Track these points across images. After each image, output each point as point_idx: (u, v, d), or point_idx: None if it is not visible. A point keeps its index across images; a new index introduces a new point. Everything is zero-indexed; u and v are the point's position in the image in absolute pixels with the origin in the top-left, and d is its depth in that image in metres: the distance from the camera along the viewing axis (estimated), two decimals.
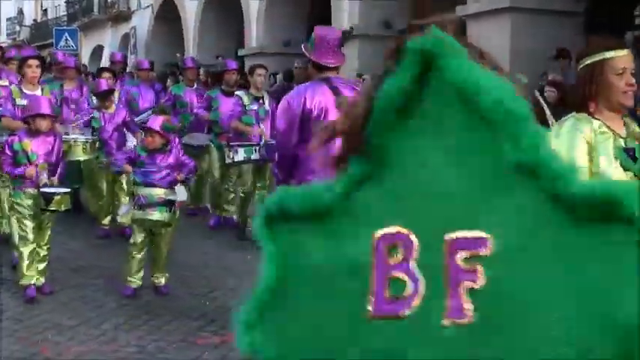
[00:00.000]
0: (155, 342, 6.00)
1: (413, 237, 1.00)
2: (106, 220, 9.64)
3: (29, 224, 6.98)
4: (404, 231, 1.01)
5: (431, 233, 0.99)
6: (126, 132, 9.85)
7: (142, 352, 5.80)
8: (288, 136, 5.28)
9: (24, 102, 8.06)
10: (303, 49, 5.48)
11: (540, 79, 10.75)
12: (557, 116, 5.00)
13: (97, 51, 32.55)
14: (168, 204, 6.95)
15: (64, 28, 30.37)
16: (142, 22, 28.25)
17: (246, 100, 9.54)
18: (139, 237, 7.07)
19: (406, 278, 0.99)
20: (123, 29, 30.72)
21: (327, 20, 16.94)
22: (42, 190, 6.88)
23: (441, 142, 1.02)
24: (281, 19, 19.67)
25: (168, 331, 6.28)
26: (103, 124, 9.50)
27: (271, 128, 9.13)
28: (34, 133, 7.08)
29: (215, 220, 10.43)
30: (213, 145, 10.43)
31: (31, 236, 6.97)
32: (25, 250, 6.96)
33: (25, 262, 6.95)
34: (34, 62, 8.67)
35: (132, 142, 9.82)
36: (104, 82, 10.02)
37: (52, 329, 6.21)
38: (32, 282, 6.96)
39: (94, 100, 10.38)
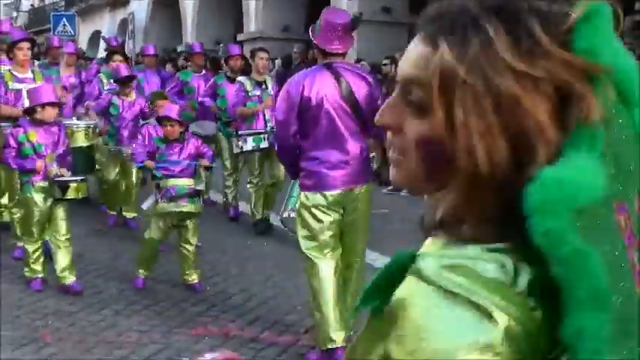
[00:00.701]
0: (156, 327, 6.02)
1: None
2: (115, 210, 9.51)
3: (36, 220, 6.82)
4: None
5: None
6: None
7: (142, 337, 5.81)
8: (287, 126, 5.16)
9: (17, 86, 8.01)
10: (310, 33, 5.33)
11: None
12: None
13: (95, 36, 32.44)
14: (197, 194, 6.85)
15: (62, 13, 30.23)
16: (141, 7, 28.14)
17: (248, 85, 9.34)
18: (157, 232, 6.88)
19: None
20: (121, 14, 30.61)
21: (326, 4, 16.89)
22: (56, 179, 6.72)
23: None
24: (280, 4, 19.61)
25: (169, 316, 6.30)
26: (121, 111, 9.19)
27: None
28: (38, 122, 6.85)
29: (234, 211, 10.08)
30: (222, 134, 10.19)
31: (36, 233, 6.82)
32: (31, 248, 6.84)
33: (31, 259, 6.85)
34: (25, 45, 8.43)
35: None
36: (124, 68, 9.65)
37: (53, 315, 6.22)
38: (38, 276, 6.85)
39: (105, 85, 10.13)
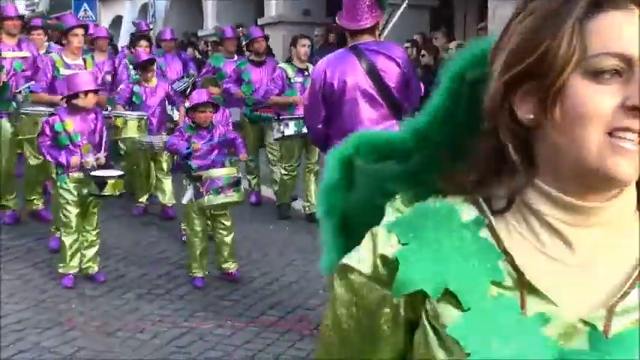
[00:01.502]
0: (178, 311, 6.05)
1: None
2: (144, 199, 9.20)
3: (73, 211, 6.58)
4: None
5: None
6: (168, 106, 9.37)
7: (163, 321, 5.85)
8: (313, 111, 5.02)
9: (67, 72, 7.70)
10: (337, 20, 5.13)
11: None
12: None
13: (117, 22, 32.47)
14: (239, 182, 6.67)
15: None
16: None
17: (290, 72, 9.09)
18: (199, 224, 6.70)
19: None
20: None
21: None
22: (92, 174, 6.50)
23: None
24: None
25: (191, 300, 6.32)
26: (144, 99, 8.91)
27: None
28: (75, 111, 6.65)
29: (256, 197, 9.85)
30: (247, 120, 9.90)
31: (74, 224, 6.59)
32: (67, 240, 6.58)
33: (68, 252, 6.57)
34: (80, 31, 8.29)
35: (176, 116, 9.45)
36: (143, 52, 9.47)
37: (76, 299, 6.27)
38: (71, 272, 6.60)
39: (133, 70, 9.96)
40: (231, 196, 6.52)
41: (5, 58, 8.36)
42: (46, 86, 8.04)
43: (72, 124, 6.60)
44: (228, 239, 6.75)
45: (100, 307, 6.11)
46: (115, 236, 8.04)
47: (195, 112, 6.76)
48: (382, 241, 1.18)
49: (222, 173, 6.53)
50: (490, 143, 1.10)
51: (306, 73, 8.98)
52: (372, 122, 4.88)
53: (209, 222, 6.86)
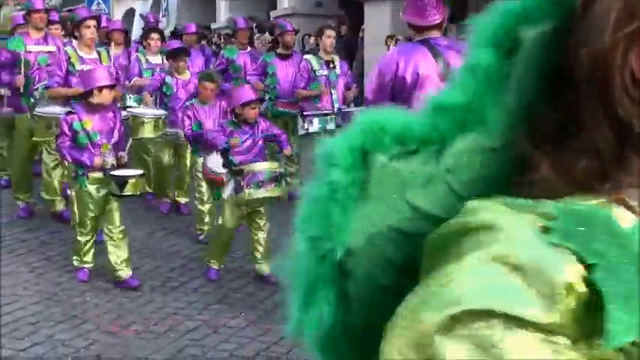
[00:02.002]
0: (192, 304, 6.04)
1: None
2: (170, 195, 8.96)
3: (90, 214, 6.42)
4: None
5: None
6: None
7: (177, 313, 5.84)
8: (378, 104, 4.89)
9: (84, 67, 7.52)
10: (400, 14, 4.89)
11: None
12: None
13: (129, 15, 32.52)
14: (282, 176, 6.50)
15: None
16: None
17: (315, 64, 8.91)
18: (233, 220, 6.54)
19: None
20: None
21: None
22: (112, 174, 6.33)
23: None
24: None
25: (205, 293, 6.31)
26: (175, 90, 8.63)
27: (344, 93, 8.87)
28: (92, 108, 6.44)
29: None
30: (269, 115, 9.45)
31: (89, 226, 6.44)
32: (82, 239, 6.47)
33: (82, 249, 6.50)
34: (92, 22, 7.95)
35: None
36: (175, 41, 9.18)
37: (90, 292, 6.27)
38: (85, 266, 6.50)
39: (144, 64, 9.75)
40: (272, 191, 6.35)
41: (30, 52, 8.28)
42: (60, 81, 7.80)
43: (90, 122, 6.40)
44: (261, 238, 6.59)
45: (114, 300, 6.10)
46: (128, 228, 7.96)
47: (244, 109, 6.59)
48: (549, 260, 0.65)
49: (263, 167, 6.40)
50: (600, 116, 0.73)
51: (332, 65, 8.91)
52: None
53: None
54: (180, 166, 8.77)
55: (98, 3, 24.90)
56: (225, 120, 7.07)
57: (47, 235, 7.89)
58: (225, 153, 6.59)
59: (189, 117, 7.52)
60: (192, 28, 12.18)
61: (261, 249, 6.57)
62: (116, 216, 6.47)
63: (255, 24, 20.87)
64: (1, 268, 6.85)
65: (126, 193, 6.31)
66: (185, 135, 7.68)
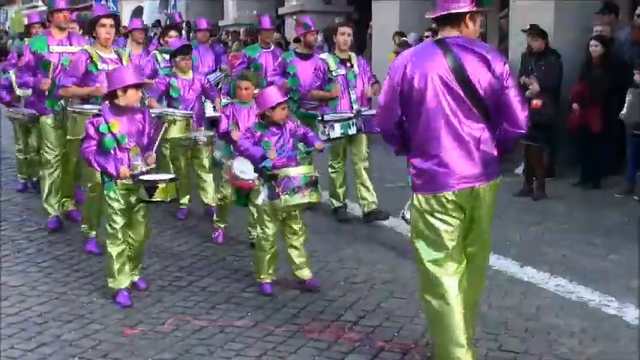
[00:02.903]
0: (199, 304, 6.03)
1: None
2: (185, 200, 8.76)
3: (120, 221, 6.04)
4: None
5: None
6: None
7: (185, 312, 5.83)
8: (388, 111, 4.47)
9: (104, 67, 7.24)
10: (429, 14, 4.51)
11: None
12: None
13: (137, 12, 32.53)
14: (317, 181, 6.16)
15: None
16: None
17: (332, 63, 8.52)
18: (271, 227, 6.26)
19: None
20: None
21: None
22: (141, 178, 5.94)
23: None
24: None
25: (212, 293, 6.31)
26: (182, 92, 8.40)
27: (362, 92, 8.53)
28: (120, 110, 6.06)
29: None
30: (293, 115, 9.16)
31: (120, 235, 6.05)
32: (114, 251, 6.03)
33: (115, 265, 6.03)
34: (107, 21, 7.40)
35: (209, 110, 9.02)
36: (177, 40, 8.90)
37: (97, 292, 6.27)
38: (124, 286, 6.06)
39: (161, 63, 9.51)
40: (310, 196, 6.06)
41: (53, 52, 7.96)
42: (76, 80, 7.34)
43: (118, 125, 6.00)
44: (297, 243, 6.37)
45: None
46: None
47: (274, 110, 6.28)
48: None
49: (299, 172, 6.08)
50: None
51: (349, 64, 8.58)
52: (458, 120, 4.32)
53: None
54: (199, 168, 8.54)
55: (106, 1, 24.95)
56: (252, 123, 6.71)
57: (56, 234, 7.91)
58: (259, 161, 6.25)
59: (227, 116, 7.23)
60: (204, 25, 11.96)
61: (297, 253, 6.37)
62: (141, 228, 6.19)
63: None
64: (10, 267, 6.88)
65: (155, 199, 5.93)
66: (219, 134, 7.40)
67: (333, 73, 8.49)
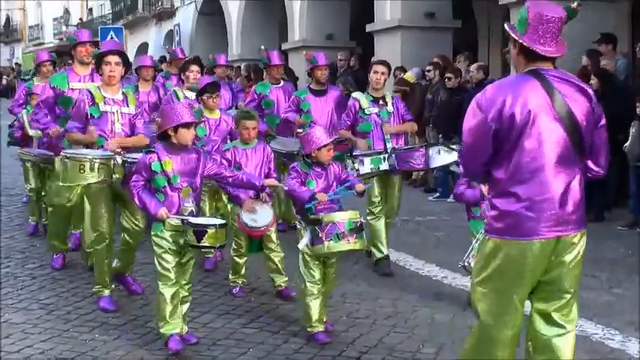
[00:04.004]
0: (200, 340, 5.98)
1: None
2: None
3: (171, 260, 5.73)
4: None
5: None
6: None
7: (186, 349, 5.79)
8: (478, 151, 3.99)
9: (107, 108, 6.75)
10: (509, 30, 4.00)
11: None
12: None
13: (142, 49, 32.81)
14: (362, 227, 5.93)
15: (110, 26, 30.71)
16: (186, 18, 28.45)
17: (364, 102, 8.12)
18: (317, 271, 5.97)
19: None
20: (167, 26, 30.97)
21: (369, 12, 16.87)
22: (190, 222, 5.64)
23: None
24: (324, 13, 19.63)
25: (214, 328, 6.28)
26: (207, 132, 7.80)
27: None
28: (174, 148, 5.82)
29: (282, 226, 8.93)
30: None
31: (173, 275, 5.74)
32: (167, 292, 5.71)
33: (168, 307, 5.72)
34: (112, 59, 6.84)
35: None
36: (206, 77, 8.52)
37: (99, 328, 6.26)
38: (176, 331, 5.76)
39: (182, 100, 8.55)
40: (355, 244, 5.81)
41: (74, 89, 7.70)
42: (80, 125, 6.82)
43: (171, 163, 5.76)
44: (328, 289, 6.21)
45: (123, 336, 6.08)
46: (141, 264, 8.02)
47: (319, 152, 6.09)
48: None
49: (345, 217, 5.82)
50: None
51: (382, 102, 8.17)
52: (556, 160, 3.89)
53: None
54: (219, 208, 7.99)
55: (112, 37, 25.17)
56: (297, 163, 6.46)
57: (58, 271, 7.91)
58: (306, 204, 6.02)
59: (227, 160, 6.92)
60: (223, 60, 11.74)
61: (325, 300, 6.15)
62: (188, 272, 5.92)
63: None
64: (13, 304, 6.88)
65: (204, 245, 5.61)
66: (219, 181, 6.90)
67: (366, 112, 8.09)
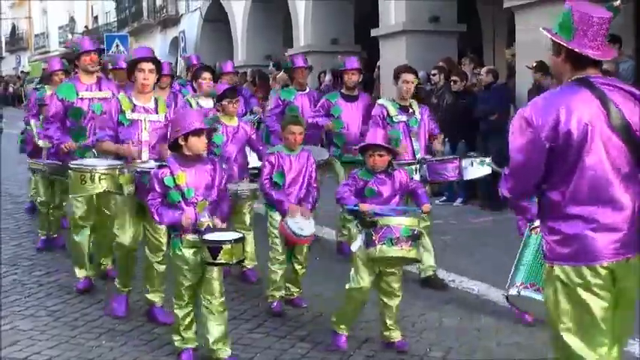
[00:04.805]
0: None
1: None
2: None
3: (185, 282, 5.57)
4: None
5: None
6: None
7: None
8: (530, 172, 3.64)
9: (134, 116, 6.56)
10: (551, 37, 3.65)
11: None
12: None
13: None
14: (418, 237, 5.67)
15: (115, 34, 30.77)
16: (191, 25, 28.48)
17: (392, 109, 7.90)
18: (366, 280, 5.75)
19: None
20: (172, 33, 31.02)
21: (374, 17, 16.88)
22: (205, 238, 5.35)
23: None
24: (328, 18, 19.67)
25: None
26: (225, 140, 7.50)
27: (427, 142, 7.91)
28: (187, 160, 5.59)
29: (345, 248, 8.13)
30: (336, 161, 8.81)
31: (186, 297, 5.61)
32: (180, 312, 5.63)
33: (182, 327, 5.65)
34: (147, 66, 6.62)
35: (254, 161, 7.85)
36: (224, 83, 8.30)
37: (106, 334, 6.26)
38: (189, 346, 5.67)
39: (195, 108, 8.35)
40: (409, 252, 5.55)
41: (83, 98, 7.60)
42: (112, 133, 6.61)
43: (184, 176, 5.54)
44: (392, 303, 5.87)
45: (130, 343, 6.09)
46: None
47: (374, 154, 5.92)
48: None
49: (402, 222, 5.58)
50: None
51: (410, 110, 7.97)
52: (619, 177, 3.57)
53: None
54: (238, 224, 7.53)
55: (117, 45, 25.24)
56: (357, 170, 6.16)
57: (66, 278, 7.91)
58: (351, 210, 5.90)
59: (271, 164, 6.69)
60: (230, 67, 11.53)
61: (389, 315, 5.89)
62: (216, 285, 5.56)
63: (272, 62, 21.14)
64: (21, 311, 6.89)
65: (219, 261, 5.33)
66: (261, 185, 6.80)
67: (394, 119, 7.87)
